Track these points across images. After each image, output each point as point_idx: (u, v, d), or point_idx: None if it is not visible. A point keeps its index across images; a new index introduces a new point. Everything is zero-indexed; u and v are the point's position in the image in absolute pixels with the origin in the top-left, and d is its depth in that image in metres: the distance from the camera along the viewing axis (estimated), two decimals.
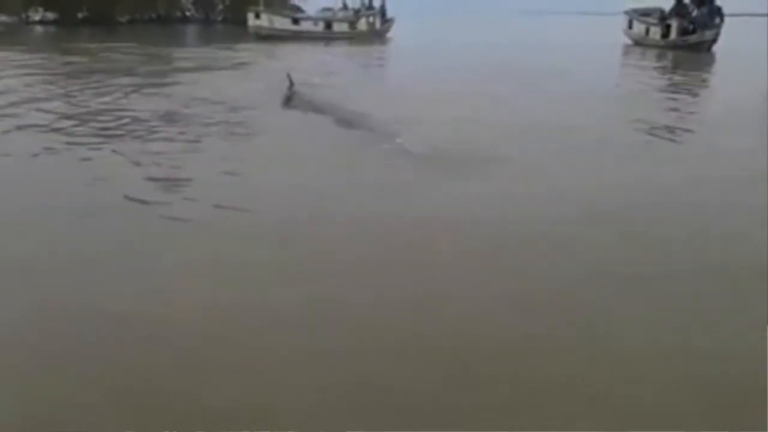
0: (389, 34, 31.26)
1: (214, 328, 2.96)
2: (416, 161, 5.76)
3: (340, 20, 29.86)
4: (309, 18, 30.96)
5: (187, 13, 46.01)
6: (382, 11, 31.55)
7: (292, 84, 10.01)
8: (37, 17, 42.34)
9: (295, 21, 29.19)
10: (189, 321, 3.01)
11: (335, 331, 2.94)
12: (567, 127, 7.58)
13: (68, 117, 8.09)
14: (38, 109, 8.48)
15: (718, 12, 22.33)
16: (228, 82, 12.15)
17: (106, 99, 9.56)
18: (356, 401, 2.45)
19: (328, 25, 29.40)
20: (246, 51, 20.96)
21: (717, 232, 4.33)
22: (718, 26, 22.14)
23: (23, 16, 41.64)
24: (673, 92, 12.35)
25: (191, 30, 37.94)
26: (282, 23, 28.06)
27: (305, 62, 16.67)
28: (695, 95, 12.31)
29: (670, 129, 7.95)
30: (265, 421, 2.27)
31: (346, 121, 7.47)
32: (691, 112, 9.90)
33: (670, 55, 21.34)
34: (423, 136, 6.57)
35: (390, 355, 2.76)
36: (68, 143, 6.68)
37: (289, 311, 3.12)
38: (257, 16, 27.93)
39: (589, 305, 3.26)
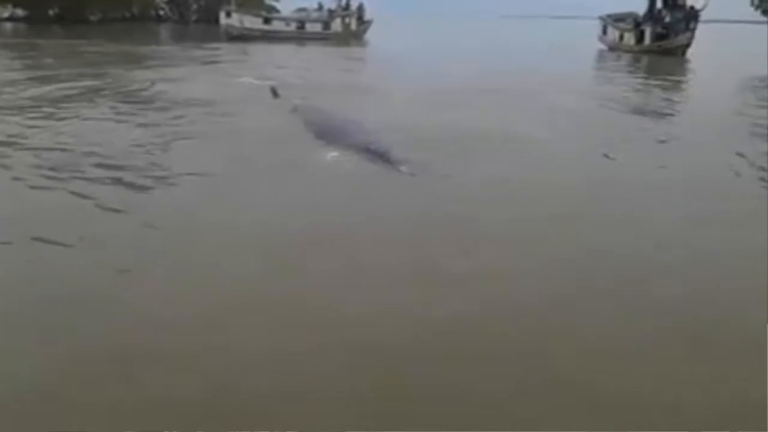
0: (366, 36, 30.89)
1: None
2: None
3: (314, 21, 29.56)
4: (281, 18, 30.73)
5: (161, 13, 45.42)
6: (360, 13, 31.20)
7: (276, 97, 8.76)
8: (5, 14, 41.61)
9: (267, 20, 28.89)
10: None
11: None
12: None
13: None
14: None
15: (693, 16, 22.11)
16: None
17: None
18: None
19: (301, 25, 29.05)
20: (211, 51, 20.49)
21: None
22: (692, 30, 21.92)
23: None
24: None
25: (164, 29, 37.32)
26: (252, 22, 27.78)
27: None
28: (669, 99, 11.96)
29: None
30: None
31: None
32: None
33: (644, 60, 21.10)
34: None
35: None
36: None
37: None
38: (228, 15, 27.69)
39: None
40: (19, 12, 41.21)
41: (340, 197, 4.55)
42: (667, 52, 21.73)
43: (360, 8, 31.30)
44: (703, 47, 22.52)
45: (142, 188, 4.63)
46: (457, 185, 4.86)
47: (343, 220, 4.12)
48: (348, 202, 4.45)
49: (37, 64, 14.72)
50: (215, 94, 9.08)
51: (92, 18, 40.69)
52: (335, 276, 3.26)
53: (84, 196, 4.33)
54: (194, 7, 44.84)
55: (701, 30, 22.42)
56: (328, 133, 6.14)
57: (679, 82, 15.55)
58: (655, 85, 13.64)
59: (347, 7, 30.86)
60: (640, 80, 15.62)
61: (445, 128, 6.66)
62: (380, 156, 5.29)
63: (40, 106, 8.04)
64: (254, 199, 4.51)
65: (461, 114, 7.83)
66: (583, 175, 5.40)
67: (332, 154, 5.59)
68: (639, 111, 9.71)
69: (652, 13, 23.46)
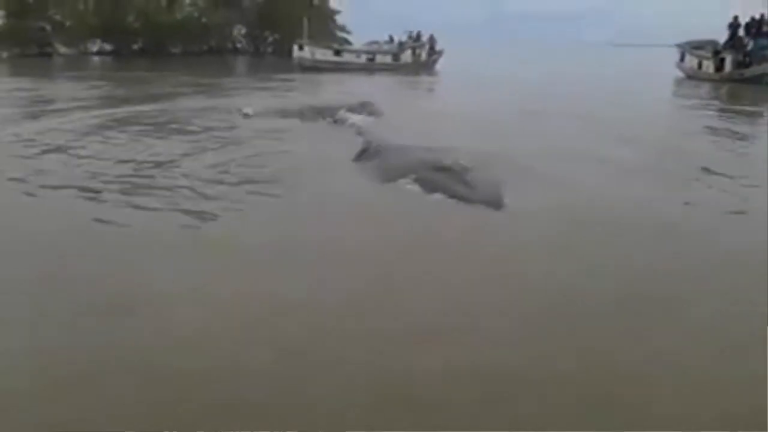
0: (438, 67, 31.06)
1: None
2: None
3: (384, 52, 30.02)
4: (351, 50, 31.39)
5: (238, 45, 46.96)
6: (431, 44, 31.52)
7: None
8: (95, 48, 43.79)
9: (337, 53, 29.50)
10: None
11: None
12: None
13: None
14: None
15: None
16: None
17: None
18: None
19: (371, 57, 29.53)
20: (285, 81, 21.12)
21: None
22: None
23: (82, 47, 43.09)
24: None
25: (240, 61, 38.58)
26: (324, 54, 28.46)
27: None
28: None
29: None
30: None
31: None
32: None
33: (724, 89, 20.26)
34: None
35: None
36: None
37: None
38: (300, 47, 28.47)
39: None
40: (106, 46, 43.33)
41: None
42: (749, 81, 20.81)
43: (431, 39, 31.65)
44: None
45: None
46: None
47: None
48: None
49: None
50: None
51: (173, 51, 42.45)
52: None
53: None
54: (269, 40, 46.22)
55: None
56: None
57: None
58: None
59: (418, 38, 31.27)
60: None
61: None
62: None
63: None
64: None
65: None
66: None
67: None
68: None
69: (733, 41, 22.55)
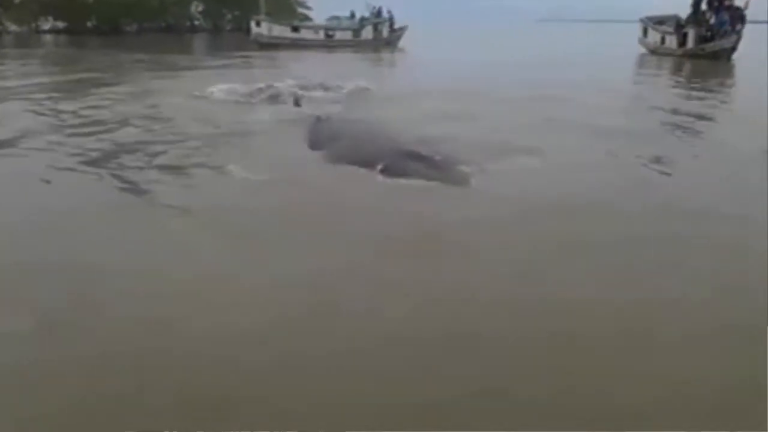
0: (401, 43, 30.23)
1: None
2: None
3: (344, 29, 29.37)
4: (309, 26, 30.86)
5: (196, 23, 45.79)
6: (391, 20, 30.65)
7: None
8: (47, 26, 42.47)
9: (295, 29, 28.90)
10: None
11: None
12: None
13: None
14: None
15: (739, 17, 20.88)
16: None
17: None
18: None
19: (330, 33, 28.85)
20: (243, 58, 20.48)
21: None
22: (738, 33, 20.72)
23: (33, 25, 41.71)
24: None
25: (197, 39, 37.51)
26: (281, 31, 27.98)
27: None
28: None
29: None
30: None
31: None
32: None
33: (687, 65, 19.98)
34: None
35: None
36: None
37: None
38: (258, 24, 27.89)
39: None
40: (59, 24, 41.98)
41: None
42: (712, 56, 20.57)
43: (390, 15, 30.75)
44: (749, 50, 21.24)
45: None
46: None
47: None
48: None
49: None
50: None
51: (128, 29, 41.25)
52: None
53: None
54: (228, 16, 45.16)
55: (748, 31, 21.21)
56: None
57: None
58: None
59: (379, 14, 30.47)
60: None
61: None
62: None
63: None
64: None
65: None
66: None
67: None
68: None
69: (696, 15, 22.27)
